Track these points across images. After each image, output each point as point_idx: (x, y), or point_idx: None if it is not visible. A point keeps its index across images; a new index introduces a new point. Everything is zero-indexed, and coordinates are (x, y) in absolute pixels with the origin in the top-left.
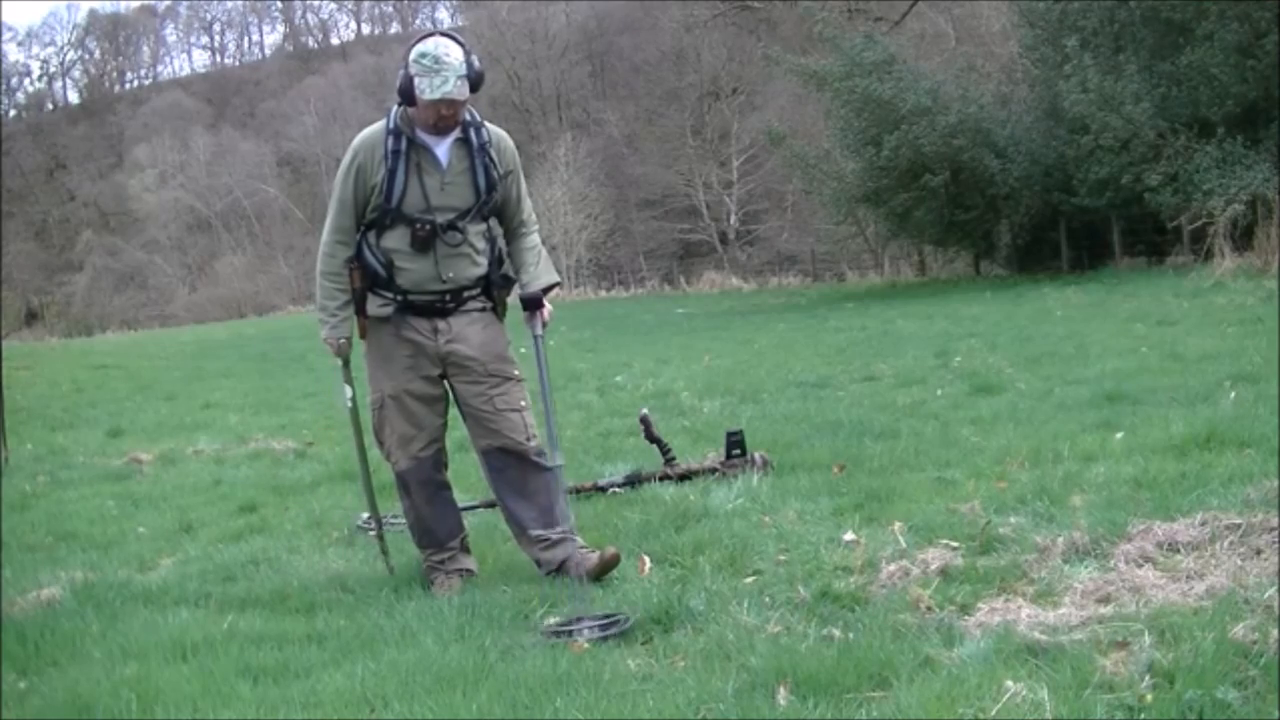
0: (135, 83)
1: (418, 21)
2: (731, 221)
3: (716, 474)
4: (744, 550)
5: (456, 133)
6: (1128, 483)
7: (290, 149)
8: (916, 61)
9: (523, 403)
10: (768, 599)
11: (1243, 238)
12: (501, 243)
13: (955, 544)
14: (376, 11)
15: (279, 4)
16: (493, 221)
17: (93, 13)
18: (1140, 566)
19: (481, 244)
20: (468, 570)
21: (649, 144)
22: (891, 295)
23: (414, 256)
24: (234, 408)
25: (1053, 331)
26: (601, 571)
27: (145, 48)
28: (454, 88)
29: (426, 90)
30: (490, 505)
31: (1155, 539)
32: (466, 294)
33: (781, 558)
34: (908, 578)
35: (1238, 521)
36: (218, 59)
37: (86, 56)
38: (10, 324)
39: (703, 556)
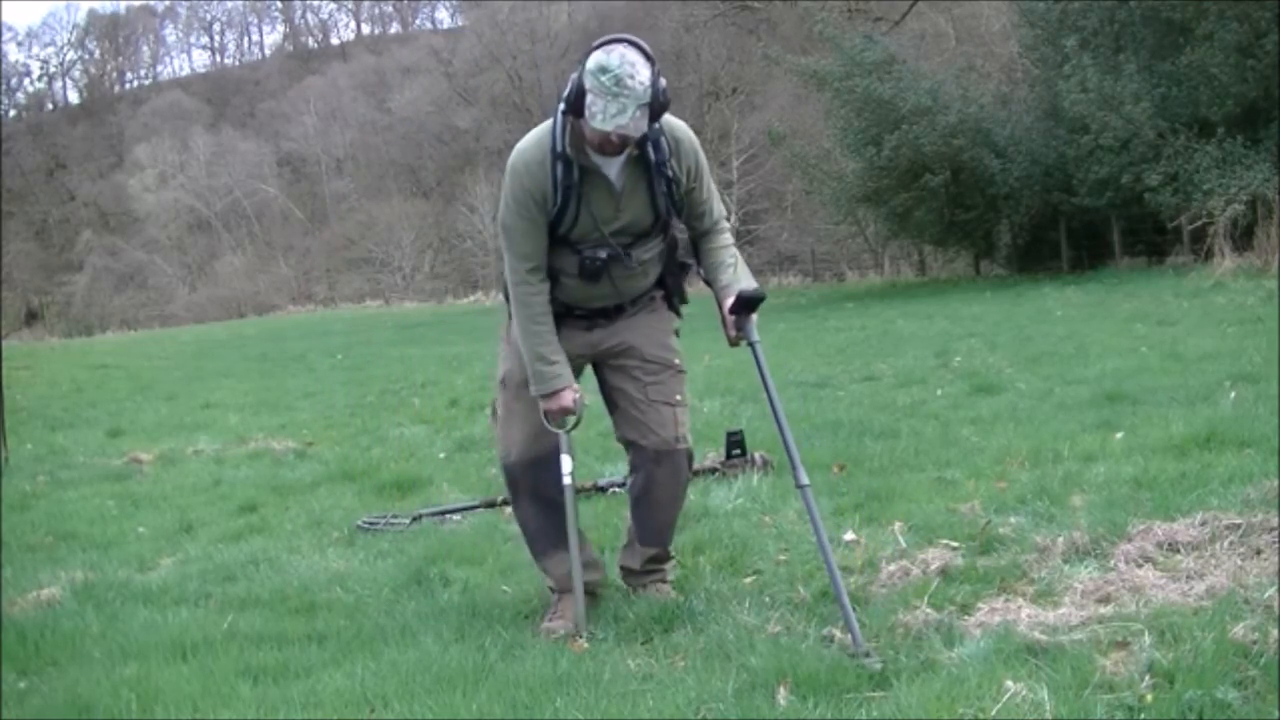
0: (135, 83)
1: (417, 21)
2: (731, 221)
3: (716, 474)
4: (744, 550)
5: (631, 148)
6: (1128, 483)
7: (290, 149)
8: (916, 61)
9: (678, 397)
10: (768, 599)
11: (1243, 238)
12: (678, 231)
13: (955, 544)
14: (376, 11)
15: (279, 4)
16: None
17: (93, 13)
18: (1140, 566)
19: (658, 249)
20: (593, 582)
21: None
22: (891, 295)
23: (582, 283)
24: (234, 408)
25: (1053, 331)
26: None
27: (145, 48)
28: (631, 120)
29: (599, 117)
30: (490, 505)
31: (1155, 539)
32: (640, 301)
33: (781, 558)
34: (908, 578)
35: (1238, 521)
36: (217, 59)
37: (86, 56)
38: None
39: (703, 556)
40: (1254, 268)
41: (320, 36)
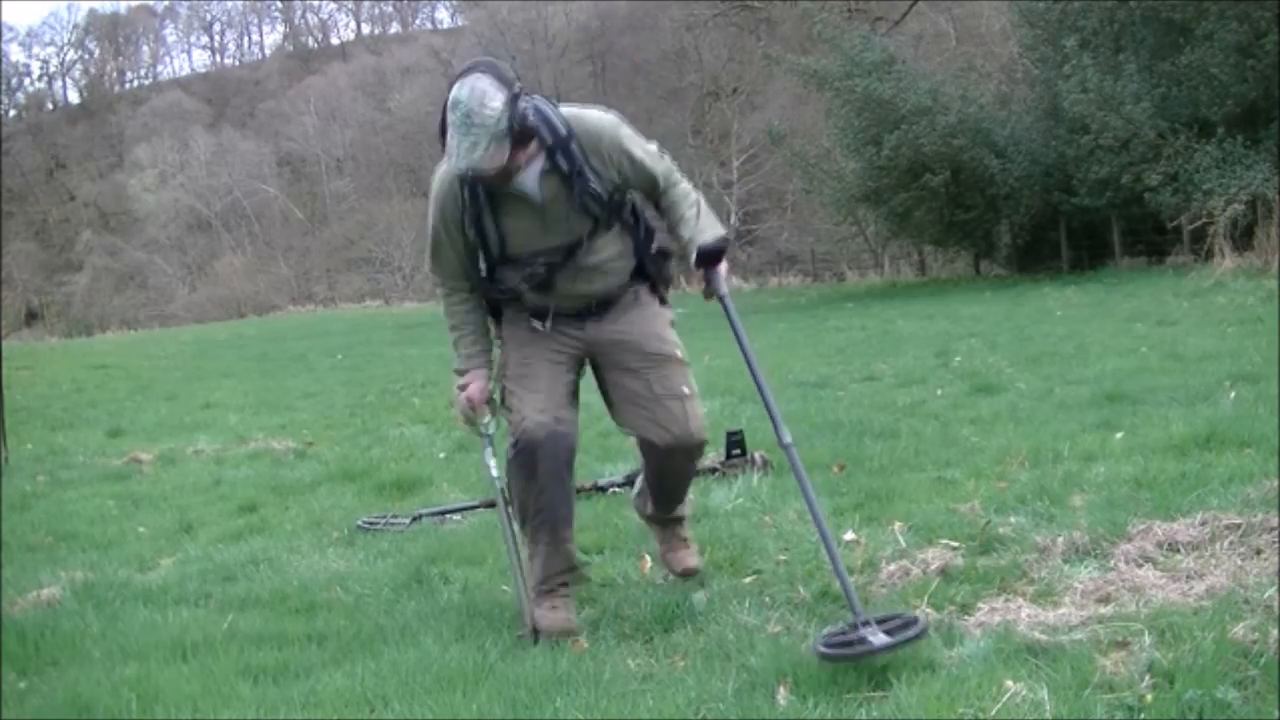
0: (135, 83)
1: (417, 21)
2: (731, 221)
3: (716, 474)
4: (744, 550)
5: (540, 163)
6: (1128, 483)
7: (290, 149)
8: (916, 61)
9: (686, 389)
10: (768, 599)
11: (1243, 238)
12: (651, 220)
13: (955, 544)
14: (376, 11)
15: (279, 4)
16: (631, 196)
17: (93, 13)
18: (1140, 566)
19: (618, 246)
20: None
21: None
22: (891, 295)
23: (535, 293)
24: (234, 408)
25: (1053, 331)
26: (684, 575)
27: (145, 48)
28: (485, 155)
29: (454, 155)
30: (490, 505)
31: (1155, 539)
32: (614, 296)
33: (781, 558)
34: (908, 578)
35: (1238, 521)
36: (217, 59)
37: (86, 56)
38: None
39: (703, 556)
40: (1254, 268)
41: (320, 36)
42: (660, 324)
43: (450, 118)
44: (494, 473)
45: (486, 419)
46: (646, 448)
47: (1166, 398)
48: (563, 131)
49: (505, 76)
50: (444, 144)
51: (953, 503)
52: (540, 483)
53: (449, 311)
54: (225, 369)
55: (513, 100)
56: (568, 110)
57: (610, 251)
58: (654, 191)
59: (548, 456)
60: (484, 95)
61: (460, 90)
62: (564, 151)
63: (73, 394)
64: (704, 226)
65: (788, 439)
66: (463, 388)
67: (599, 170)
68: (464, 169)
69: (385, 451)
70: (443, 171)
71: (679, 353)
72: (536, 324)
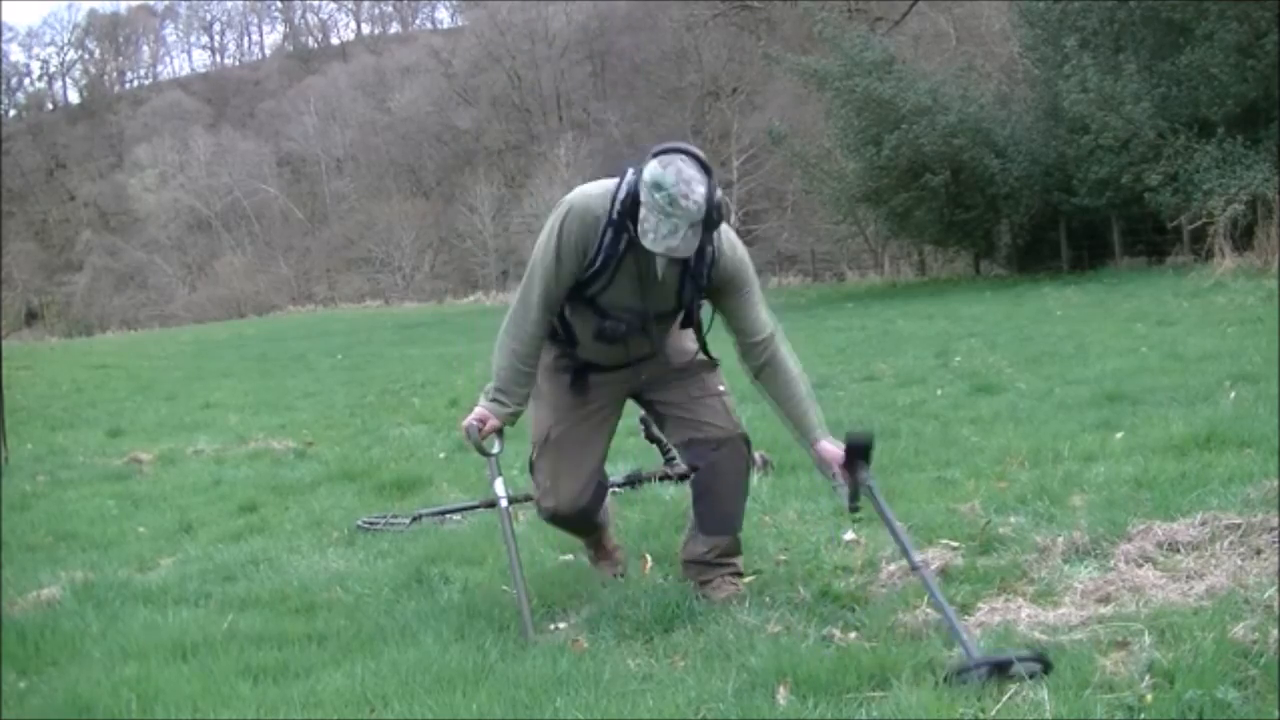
0: (135, 83)
1: (417, 22)
2: (731, 221)
3: None
4: (744, 550)
5: None
6: (1128, 483)
7: (290, 149)
8: (916, 61)
9: (720, 387)
10: (768, 599)
11: (1243, 238)
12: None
13: (955, 544)
14: (376, 11)
15: (279, 4)
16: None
17: (93, 13)
18: (1140, 566)
19: (675, 328)
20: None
21: (649, 144)
22: (891, 295)
23: (597, 344)
24: (234, 408)
25: (1053, 331)
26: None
27: (145, 48)
28: (682, 241)
29: (650, 236)
30: (490, 505)
31: (1155, 539)
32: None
33: (781, 558)
34: (908, 578)
35: (1238, 521)
36: (217, 59)
37: (86, 56)
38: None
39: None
40: (1254, 268)
41: (320, 36)
42: (679, 337)
43: (649, 197)
44: (501, 497)
45: (496, 448)
46: (695, 448)
47: (1166, 398)
48: (714, 240)
49: (706, 164)
50: (627, 214)
51: (953, 503)
52: (573, 530)
53: (520, 340)
54: (225, 369)
55: (713, 188)
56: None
57: (682, 341)
58: (742, 335)
59: (578, 523)
60: (690, 182)
61: (665, 173)
62: (699, 255)
63: (73, 394)
64: (818, 419)
65: (918, 561)
66: (483, 419)
67: (710, 280)
68: (661, 251)
69: (385, 451)
70: (583, 207)
71: (704, 356)
72: (565, 364)
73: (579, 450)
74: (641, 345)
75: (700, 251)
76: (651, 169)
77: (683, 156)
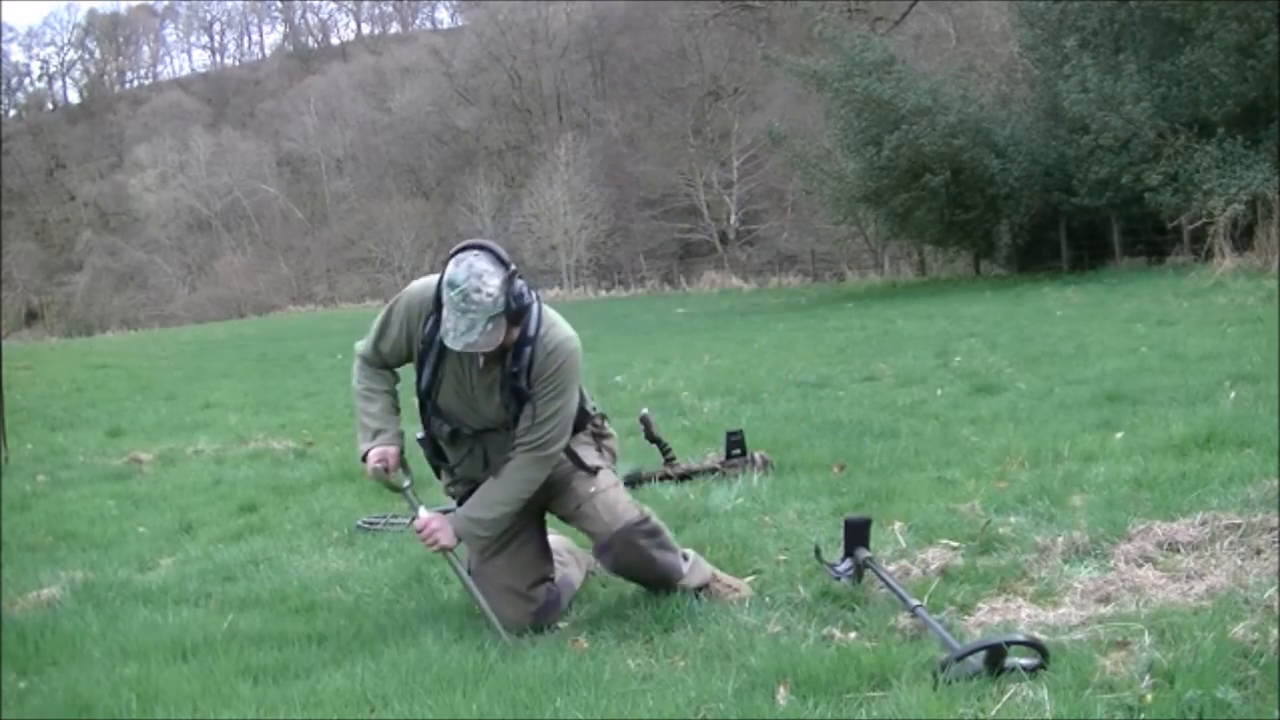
0: (135, 83)
1: (417, 22)
2: (731, 221)
3: (717, 474)
4: (744, 550)
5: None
6: (1128, 483)
7: (290, 149)
8: (916, 61)
9: (592, 489)
10: (768, 599)
11: (1243, 238)
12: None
13: (955, 544)
14: (376, 11)
15: (279, 4)
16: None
17: (93, 13)
18: (1140, 566)
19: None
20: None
21: (649, 143)
22: (891, 295)
23: (453, 450)
24: (234, 408)
25: (1053, 331)
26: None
27: (145, 48)
28: (481, 335)
29: (450, 333)
30: None
31: (1155, 539)
32: None
33: (781, 558)
34: (908, 577)
35: (1238, 521)
36: (217, 59)
37: (86, 56)
38: (10, 324)
39: (703, 556)
40: (1254, 268)
41: (320, 36)
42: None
43: (446, 296)
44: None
45: (405, 482)
46: (597, 553)
47: (1166, 398)
48: (530, 332)
49: (501, 257)
50: (438, 316)
51: (953, 503)
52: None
53: (365, 376)
54: (225, 369)
55: (509, 280)
56: (549, 314)
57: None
58: (523, 436)
59: (540, 619)
60: (481, 276)
61: (458, 271)
62: (515, 351)
63: (73, 394)
64: (486, 501)
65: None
66: (383, 458)
67: (526, 384)
68: (461, 349)
69: None
70: (419, 296)
71: (587, 460)
72: (453, 493)
73: (505, 576)
74: (496, 454)
75: (516, 353)
76: (449, 269)
77: (475, 252)
